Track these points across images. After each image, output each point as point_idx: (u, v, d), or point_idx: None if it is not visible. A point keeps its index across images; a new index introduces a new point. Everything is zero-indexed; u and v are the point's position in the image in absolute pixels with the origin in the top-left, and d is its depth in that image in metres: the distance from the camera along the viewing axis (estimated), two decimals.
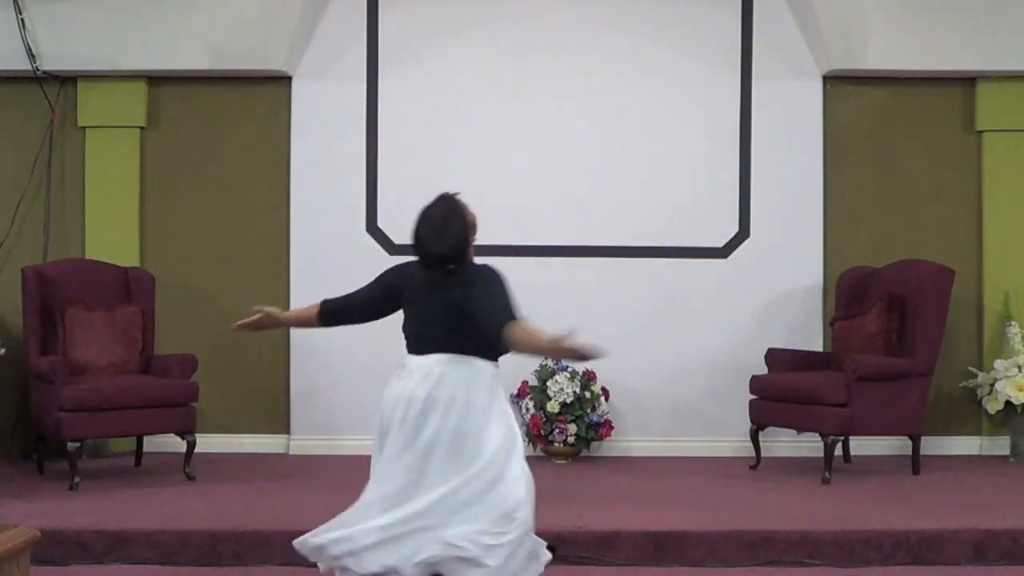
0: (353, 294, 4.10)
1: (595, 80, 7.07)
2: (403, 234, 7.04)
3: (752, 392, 6.54)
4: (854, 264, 6.91)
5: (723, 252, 7.08)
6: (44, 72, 6.85)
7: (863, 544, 4.87)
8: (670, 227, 7.06)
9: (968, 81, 7.04)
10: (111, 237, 6.96)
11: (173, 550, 4.85)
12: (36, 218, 7.00)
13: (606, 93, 7.08)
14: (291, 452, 7.00)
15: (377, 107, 7.08)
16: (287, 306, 7.04)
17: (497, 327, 3.59)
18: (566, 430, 6.62)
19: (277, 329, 6.95)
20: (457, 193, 3.91)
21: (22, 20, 6.74)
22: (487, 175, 7.02)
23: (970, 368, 6.97)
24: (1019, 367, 6.71)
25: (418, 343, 3.81)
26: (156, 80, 7.03)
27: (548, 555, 3.87)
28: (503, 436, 3.70)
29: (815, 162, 7.09)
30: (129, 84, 6.97)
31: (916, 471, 6.30)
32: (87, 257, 6.85)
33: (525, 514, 3.67)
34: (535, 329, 3.54)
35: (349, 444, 6.90)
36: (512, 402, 6.84)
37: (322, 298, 4.18)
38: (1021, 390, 6.65)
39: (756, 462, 6.49)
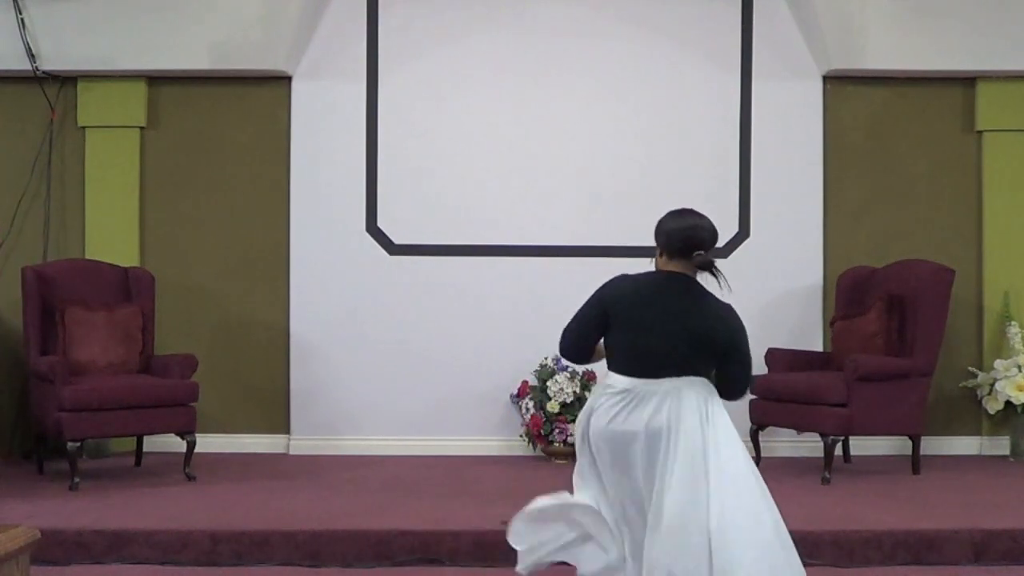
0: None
1: (595, 80, 7.07)
2: (403, 234, 7.19)
3: (752, 392, 6.53)
4: (854, 264, 6.91)
5: (723, 252, 7.04)
6: (44, 72, 6.85)
7: (863, 544, 4.88)
8: None
9: (968, 81, 7.03)
10: (111, 237, 6.95)
11: (173, 550, 4.85)
12: (36, 218, 7.00)
13: (606, 93, 7.07)
14: (291, 452, 6.99)
15: (377, 107, 7.08)
16: (287, 305, 7.05)
17: None
18: (566, 430, 6.61)
19: (277, 328, 7.05)
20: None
21: (22, 20, 6.73)
22: (486, 175, 7.05)
23: (970, 368, 6.97)
24: (1019, 367, 6.71)
25: None
26: (156, 80, 7.03)
27: None
28: None
29: (815, 162, 7.08)
30: (129, 84, 6.97)
31: (916, 471, 6.30)
32: (87, 257, 6.84)
33: None
34: None
35: (349, 444, 6.91)
36: (512, 402, 6.87)
37: None
38: (1021, 390, 6.65)
39: (756, 462, 6.48)
